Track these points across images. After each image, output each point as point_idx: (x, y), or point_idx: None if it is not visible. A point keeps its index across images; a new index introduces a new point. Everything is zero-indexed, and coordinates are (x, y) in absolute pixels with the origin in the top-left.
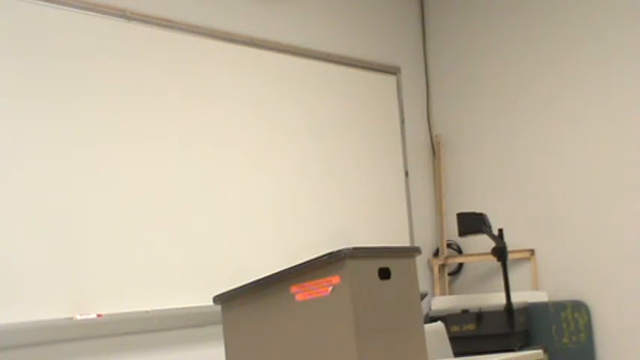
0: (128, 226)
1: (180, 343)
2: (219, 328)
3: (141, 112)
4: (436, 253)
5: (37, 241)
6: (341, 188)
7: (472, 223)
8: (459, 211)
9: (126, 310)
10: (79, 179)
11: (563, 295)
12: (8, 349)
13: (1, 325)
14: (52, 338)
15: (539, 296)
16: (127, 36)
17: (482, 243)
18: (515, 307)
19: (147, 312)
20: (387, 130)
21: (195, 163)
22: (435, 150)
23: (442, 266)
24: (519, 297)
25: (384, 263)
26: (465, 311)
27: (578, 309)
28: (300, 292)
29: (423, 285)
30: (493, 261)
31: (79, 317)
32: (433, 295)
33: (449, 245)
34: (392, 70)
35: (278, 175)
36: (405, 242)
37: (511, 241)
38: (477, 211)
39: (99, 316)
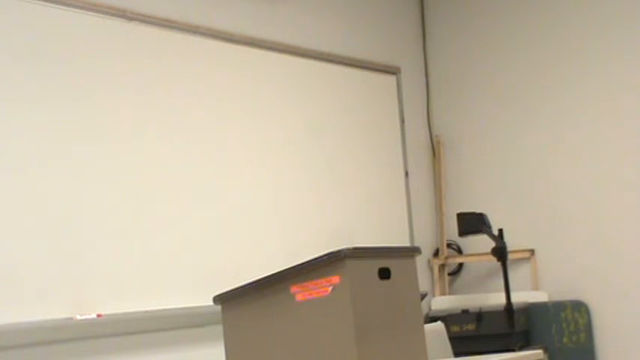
0: (128, 226)
1: (180, 343)
2: (219, 328)
3: (141, 112)
4: (436, 253)
5: (37, 241)
6: (341, 188)
7: (472, 223)
8: (459, 211)
9: (126, 310)
10: (78, 179)
11: (563, 295)
12: (8, 349)
13: (1, 325)
14: (52, 338)
15: (539, 296)
16: (127, 36)
17: (482, 243)
18: (515, 307)
19: (147, 312)
20: (387, 130)
21: (195, 162)
22: (435, 150)
23: (442, 266)
24: (519, 297)
25: (384, 263)
26: (465, 311)
27: (578, 309)
28: (300, 292)
29: (423, 285)
30: (493, 261)
31: (79, 317)
32: (433, 295)
33: (449, 245)
34: (392, 70)
35: (278, 175)
36: (405, 242)
37: (511, 241)
38: (477, 211)
39: (99, 316)
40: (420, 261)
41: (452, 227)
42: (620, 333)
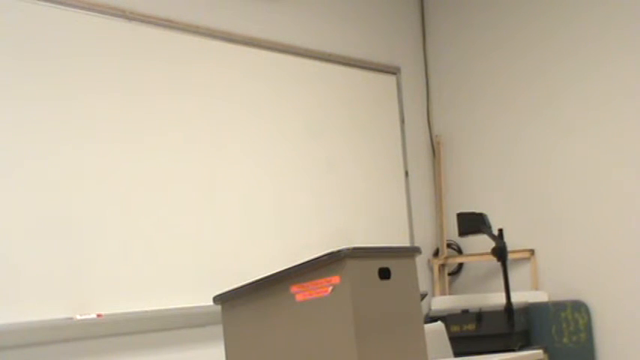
0: (128, 226)
1: (180, 343)
2: (219, 328)
3: (141, 112)
4: (436, 253)
5: (37, 241)
6: (341, 188)
7: (472, 223)
8: (459, 211)
9: (126, 310)
10: (79, 179)
11: (563, 295)
12: (8, 349)
13: (1, 325)
14: (52, 338)
15: (539, 296)
16: (127, 36)
17: (482, 243)
18: (515, 307)
19: (147, 312)
20: (387, 130)
21: (195, 163)
22: (435, 150)
23: (442, 266)
24: (519, 297)
25: (384, 263)
26: (465, 311)
27: (578, 309)
28: (300, 292)
29: (423, 285)
30: (493, 261)
31: (79, 317)
32: (433, 295)
33: (449, 245)
34: (392, 70)
35: (278, 174)
36: (405, 242)
37: (511, 241)
38: (477, 211)
39: (99, 316)
40: (420, 261)
41: (452, 227)
42: (620, 333)
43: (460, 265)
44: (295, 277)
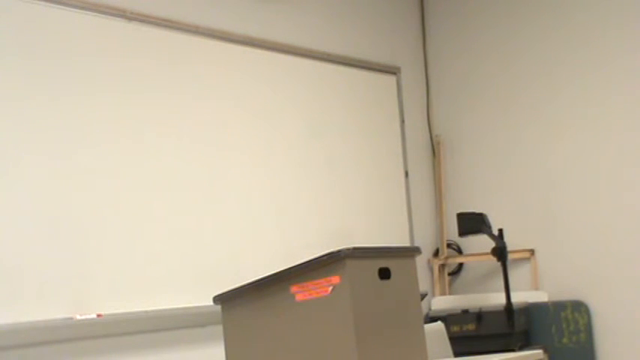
0: (128, 226)
1: (180, 343)
2: (219, 328)
3: (141, 112)
4: (436, 253)
5: (37, 241)
6: (341, 188)
7: (472, 223)
8: (459, 211)
9: (126, 310)
10: (78, 179)
11: (563, 295)
12: (8, 349)
13: (1, 325)
14: (52, 338)
15: (539, 296)
16: (127, 36)
17: (482, 243)
18: (515, 307)
19: (147, 312)
20: (387, 130)
21: (195, 162)
22: (435, 150)
23: (442, 266)
24: (519, 297)
25: (384, 263)
26: (465, 311)
27: (578, 309)
28: (300, 292)
29: (423, 285)
30: (493, 261)
31: (79, 317)
32: (433, 295)
33: (449, 245)
34: (392, 70)
35: (278, 174)
36: (405, 242)
37: (511, 241)
38: (477, 211)
39: (99, 316)
40: (420, 261)
41: (452, 227)
42: (620, 333)
43: (460, 265)
44: (295, 277)
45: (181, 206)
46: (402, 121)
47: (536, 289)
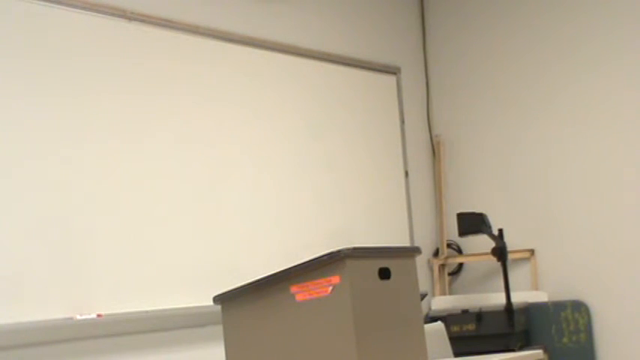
0: (128, 225)
1: (180, 343)
2: (219, 328)
3: (141, 112)
4: (436, 253)
5: (37, 241)
6: (341, 188)
7: (472, 223)
8: (459, 211)
9: (126, 310)
10: (78, 179)
11: (563, 295)
12: (8, 349)
13: (1, 325)
14: (52, 338)
15: (539, 296)
16: (127, 36)
17: (482, 243)
18: (515, 307)
19: (147, 312)
20: (387, 130)
21: (195, 163)
22: (435, 150)
23: (442, 266)
24: (519, 297)
25: (384, 263)
26: (465, 311)
27: (578, 309)
28: (300, 292)
29: (423, 285)
30: (493, 261)
31: (79, 317)
32: (433, 295)
33: (449, 245)
34: (392, 70)
35: (278, 174)
36: (405, 242)
37: (511, 241)
38: (477, 211)
39: (99, 316)
40: (420, 261)
41: (452, 227)
42: (620, 333)
43: (460, 265)
44: (295, 277)
45: (181, 206)
46: (402, 121)
47: (536, 289)
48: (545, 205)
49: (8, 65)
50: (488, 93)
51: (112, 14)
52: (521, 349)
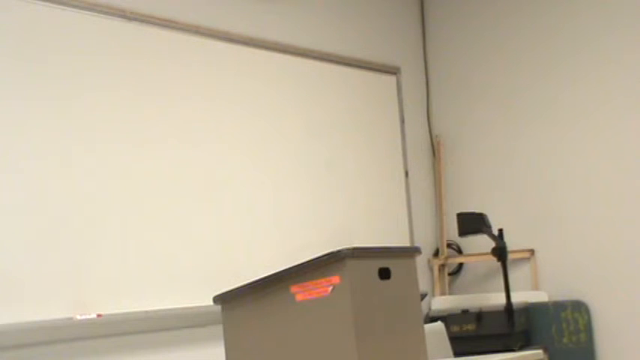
0: (128, 226)
1: (180, 343)
2: (219, 328)
3: (140, 112)
4: (436, 253)
5: (37, 241)
6: (341, 188)
7: (472, 223)
8: (459, 211)
9: (126, 310)
10: (78, 179)
11: (563, 295)
12: (8, 349)
13: (1, 325)
14: (52, 338)
15: (539, 296)
16: (127, 36)
17: (482, 243)
18: (515, 307)
19: (147, 312)
20: (387, 130)
21: (195, 162)
22: (435, 150)
23: (442, 266)
24: (519, 297)
25: (384, 263)
26: (465, 311)
27: (578, 309)
28: (300, 292)
29: (423, 285)
30: (493, 261)
31: (79, 317)
32: (433, 295)
33: (449, 245)
34: (392, 70)
35: (278, 174)
36: (405, 242)
37: (511, 241)
38: (477, 211)
39: (99, 316)
40: (420, 261)
41: (452, 227)
42: (620, 333)
43: (460, 265)
44: (295, 277)
45: (181, 206)
46: (402, 121)
47: (536, 289)
48: (545, 205)
49: (8, 65)
50: (488, 93)
51: (112, 14)
52: (521, 349)
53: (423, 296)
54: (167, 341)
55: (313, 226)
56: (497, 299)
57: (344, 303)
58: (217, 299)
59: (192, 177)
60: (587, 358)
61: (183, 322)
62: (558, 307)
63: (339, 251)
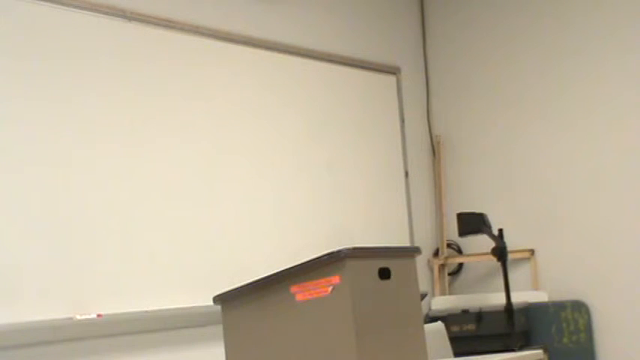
0: (128, 226)
1: (180, 343)
2: (219, 328)
3: (140, 113)
4: (436, 253)
5: (37, 241)
6: (341, 188)
7: (472, 223)
8: (459, 211)
9: (126, 310)
10: (78, 179)
11: (563, 295)
12: (8, 349)
13: (1, 325)
14: (52, 338)
15: (539, 296)
16: (127, 36)
17: (482, 243)
18: (515, 307)
19: (147, 312)
20: (387, 130)
21: (195, 163)
22: (435, 150)
23: (442, 266)
24: (519, 297)
25: (384, 263)
26: (465, 311)
27: (578, 309)
28: (300, 292)
29: (423, 285)
30: (493, 261)
31: (79, 317)
32: (433, 295)
33: (449, 245)
34: (392, 70)
35: (278, 174)
36: (405, 242)
37: (511, 241)
38: (477, 211)
39: (99, 316)
40: (420, 261)
41: (452, 227)
42: (620, 333)
43: (460, 265)
44: (295, 277)
45: (181, 206)
46: (402, 121)
47: (536, 289)
48: (545, 205)
49: (8, 65)
50: (488, 93)
51: (112, 14)
52: (521, 349)
53: (423, 296)
54: (167, 341)
55: (313, 226)
56: (497, 299)
57: (344, 303)
58: (217, 299)
59: (192, 177)
60: (587, 358)
61: (183, 322)
62: (558, 307)
63: (339, 251)
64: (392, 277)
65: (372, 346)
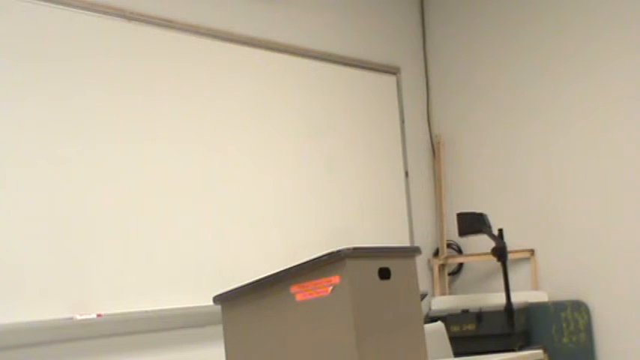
0: (128, 226)
1: (180, 343)
2: (219, 328)
3: (140, 112)
4: (436, 253)
5: (37, 241)
6: (341, 188)
7: (472, 223)
8: (459, 211)
9: (126, 310)
10: (78, 179)
11: (563, 295)
12: (8, 349)
13: (1, 325)
14: (52, 338)
15: (539, 296)
16: (127, 36)
17: (482, 243)
18: (515, 307)
19: (147, 312)
20: (387, 130)
21: (195, 162)
22: (435, 150)
23: (442, 266)
24: (519, 297)
25: (384, 263)
26: (465, 311)
27: (578, 309)
28: (300, 292)
29: (423, 285)
30: (493, 261)
31: (79, 317)
32: (433, 295)
33: (449, 245)
34: (392, 70)
35: (278, 174)
36: (405, 242)
37: (511, 241)
38: (477, 211)
39: (99, 316)
40: (420, 261)
41: (452, 227)
42: (620, 333)
43: (460, 265)
44: (295, 277)
45: (181, 206)
46: (402, 121)
47: (536, 289)
48: (545, 205)
49: (8, 65)
50: (489, 93)
51: (112, 14)
52: (521, 349)
53: (423, 296)
54: (167, 341)
55: (313, 226)
56: (497, 299)
57: (344, 303)
58: (217, 299)
59: (192, 176)
60: (587, 358)
61: (183, 322)
62: (558, 307)
63: (339, 251)
64: (392, 277)
65: (372, 346)
